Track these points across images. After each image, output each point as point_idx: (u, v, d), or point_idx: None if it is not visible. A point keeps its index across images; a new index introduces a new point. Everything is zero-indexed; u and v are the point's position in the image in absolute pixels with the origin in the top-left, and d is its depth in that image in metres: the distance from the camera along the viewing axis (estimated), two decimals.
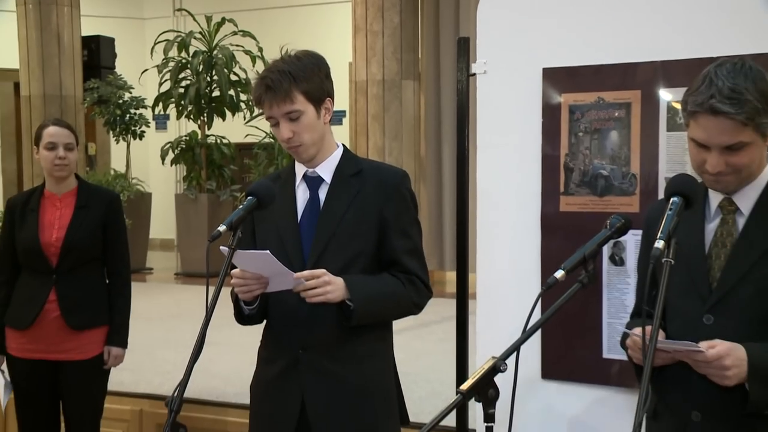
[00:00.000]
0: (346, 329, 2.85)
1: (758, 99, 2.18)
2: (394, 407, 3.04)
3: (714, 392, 2.27)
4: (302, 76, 2.84)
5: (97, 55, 12.53)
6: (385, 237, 2.94)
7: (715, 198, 2.40)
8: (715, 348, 2.20)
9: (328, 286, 2.76)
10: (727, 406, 2.28)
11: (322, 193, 2.97)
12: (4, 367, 4.22)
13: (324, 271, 2.77)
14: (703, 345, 2.20)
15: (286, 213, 2.96)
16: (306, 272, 2.76)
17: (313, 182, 2.98)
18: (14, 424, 4.36)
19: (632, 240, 3.17)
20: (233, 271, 2.78)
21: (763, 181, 2.35)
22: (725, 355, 2.19)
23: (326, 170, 2.98)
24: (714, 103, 2.19)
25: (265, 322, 3.04)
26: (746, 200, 2.35)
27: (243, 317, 2.98)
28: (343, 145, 3.06)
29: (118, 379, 4.41)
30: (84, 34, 12.01)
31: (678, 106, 3.11)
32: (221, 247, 2.64)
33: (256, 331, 3.09)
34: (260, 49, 11.03)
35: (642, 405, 2.01)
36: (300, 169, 3.00)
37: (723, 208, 2.39)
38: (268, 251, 2.69)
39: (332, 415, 2.90)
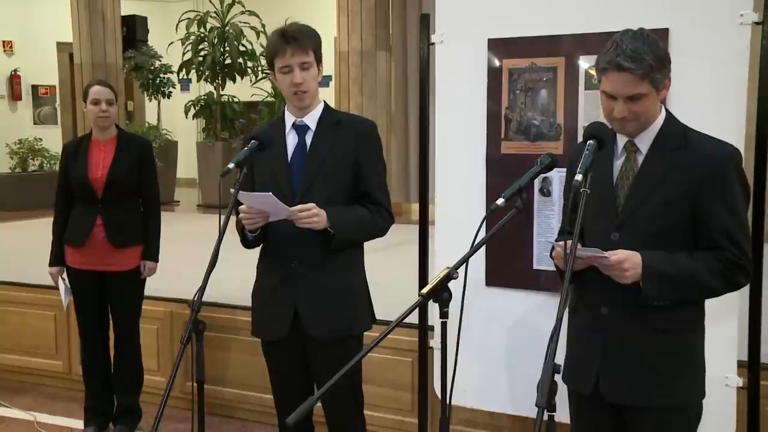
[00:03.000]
0: (328, 248, 2.85)
1: (653, 59, 2.23)
2: (367, 308, 3.05)
3: (618, 291, 2.32)
4: (314, 38, 2.87)
5: (134, 30, 12.30)
6: (359, 174, 2.93)
7: (621, 140, 2.42)
8: (616, 255, 2.25)
9: (315, 216, 2.76)
10: (627, 302, 2.33)
11: (309, 138, 2.94)
12: (65, 275, 4.21)
13: (313, 205, 2.77)
14: (608, 253, 2.25)
15: (278, 154, 2.93)
16: (299, 206, 2.76)
17: (301, 129, 2.95)
18: (75, 320, 4.36)
19: (557, 176, 3.16)
20: (240, 207, 2.77)
21: (657, 127, 2.36)
22: (624, 260, 2.25)
23: (311, 120, 2.95)
24: (619, 60, 2.23)
25: (262, 245, 3.02)
26: (644, 142, 2.37)
27: (247, 242, 2.98)
28: (324, 101, 3.03)
29: (153, 286, 4.39)
30: (123, 13, 11.77)
31: (593, 71, 3.10)
32: (231, 190, 2.64)
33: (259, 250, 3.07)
34: (263, 26, 10.99)
35: (563, 301, 2.02)
36: (289, 119, 2.97)
37: (627, 149, 2.40)
38: (270, 193, 2.69)
39: (318, 313, 2.90)
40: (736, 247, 2.28)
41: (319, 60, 2.89)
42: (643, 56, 2.21)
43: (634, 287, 2.28)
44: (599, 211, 2.38)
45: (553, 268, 3.18)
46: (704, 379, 2.44)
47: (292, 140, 2.95)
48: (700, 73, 2.89)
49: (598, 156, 2.29)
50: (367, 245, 3.06)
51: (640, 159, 2.37)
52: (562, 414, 2.38)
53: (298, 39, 2.81)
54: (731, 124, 2.80)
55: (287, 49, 2.82)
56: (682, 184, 2.29)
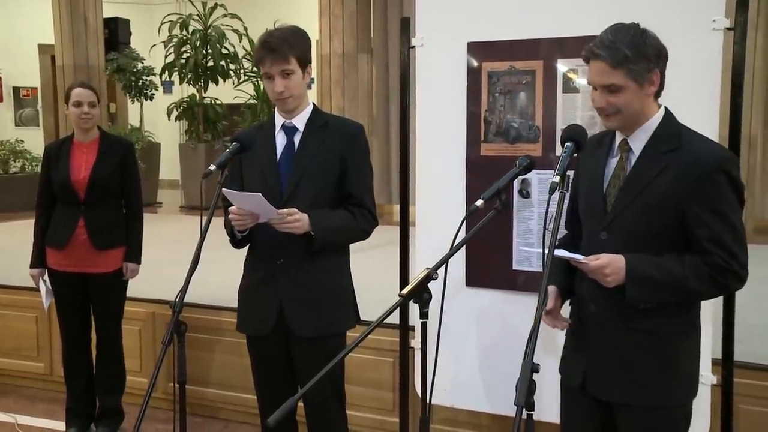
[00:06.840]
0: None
1: (629, 49, 2.20)
2: (351, 307, 3.05)
3: (606, 291, 2.31)
4: (296, 44, 2.85)
5: (116, 33, 12.22)
6: (345, 175, 2.93)
7: (618, 138, 2.39)
8: (598, 260, 2.25)
9: (296, 222, 2.77)
10: (612, 302, 2.32)
11: (297, 139, 2.95)
12: (46, 277, 4.18)
13: (295, 210, 2.78)
14: (591, 258, 2.26)
15: (267, 154, 2.94)
16: (284, 210, 2.77)
17: (290, 130, 2.96)
18: (56, 321, 4.33)
19: (536, 178, 3.18)
20: (231, 208, 2.78)
21: (653, 127, 2.32)
22: (605, 266, 2.24)
23: (300, 121, 2.96)
24: (593, 48, 2.23)
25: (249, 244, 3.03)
26: (638, 143, 2.34)
27: (236, 242, 2.98)
28: (313, 102, 3.03)
29: (135, 288, 4.37)
30: (105, 16, 11.70)
31: (571, 75, 3.12)
32: (224, 190, 2.64)
33: (242, 251, 3.07)
34: (245, 29, 10.99)
35: (541, 302, 2.02)
36: (279, 120, 2.98)
37: (621, 147, 2.38)
38: (259, 193, 2.69)
39: (302, 311, 2.90)
40: (725, 251, 2.23)
41: (305, 64, 2.88)
42: (618, 45, 2.19)
43: (620, 289, 2.27)
44: (591, 210, 2.40)
45: (532, 269, 3.21)
46: (695, 381, 2.42)
47: (281, 141, 2.97)
48: (674, 77, 2.90)
49: (594, 153, 2.32)
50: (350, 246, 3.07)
51: (633, 159, 2.34)
52: (541, 412, 2.39)
53: (276, 49, 2.81)
54: (705, 127, 2.82)
55: (266, 58, 2.83)
56: (670, 188, 2.25)
